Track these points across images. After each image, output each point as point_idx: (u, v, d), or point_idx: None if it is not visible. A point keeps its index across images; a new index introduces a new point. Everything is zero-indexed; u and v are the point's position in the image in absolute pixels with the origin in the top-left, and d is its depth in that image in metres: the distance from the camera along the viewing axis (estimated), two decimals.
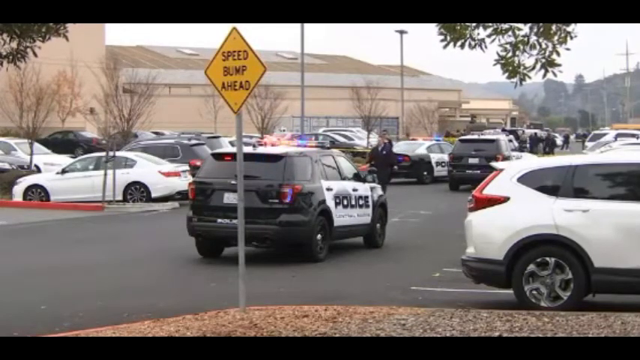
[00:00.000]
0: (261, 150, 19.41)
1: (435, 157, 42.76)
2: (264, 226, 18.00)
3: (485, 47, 11.58)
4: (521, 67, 11.58)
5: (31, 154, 37.08)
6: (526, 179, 13.13)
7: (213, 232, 18.53)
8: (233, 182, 15.89)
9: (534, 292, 12.68)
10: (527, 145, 69.65)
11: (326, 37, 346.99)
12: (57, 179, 31.35)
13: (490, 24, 11.37)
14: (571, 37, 11.37)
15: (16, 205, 30.74)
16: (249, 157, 16.91)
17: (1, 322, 12.37)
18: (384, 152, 32.29)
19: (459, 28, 11.36)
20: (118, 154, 30.94)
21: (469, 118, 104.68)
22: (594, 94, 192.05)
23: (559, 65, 11.46)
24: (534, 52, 11.45)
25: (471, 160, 38.22)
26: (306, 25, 50.66)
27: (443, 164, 41.83)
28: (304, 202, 18.37)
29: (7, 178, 33.59)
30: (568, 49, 11.44)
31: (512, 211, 12.96)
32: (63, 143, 50.31)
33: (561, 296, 12.61)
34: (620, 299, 13.33)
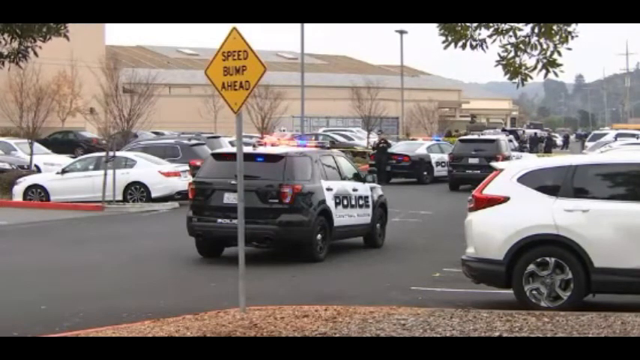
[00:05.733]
0: (261, 150, 19.41)
1: (435, 157, 42.75)
2: (264, 226, 18.00)
3: (487, 48, 11.57)
4: (523, 68, 11.57)
5: (31, 154, 37.05)
6: (526, 179, 13.13)
7: (213, 232, 18.53)
8: (233, 182, 15.90)
9: (534, 292, 12.68)
10: (527, 145, 69.68)
11: (326, 37, 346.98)
12: (57, 179, 31.34)
13: (491, 24, 11.36)
14: (572, 37, 11.36)
15: (16, 205, 30.73)
16: (249, 157, 16.91)
17: (1, 322, 12.37)
18: None
19: (459, 28, 11.35)
20: (118, 154, 30.92)
21: (469, 118, 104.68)
22: (594, 94, 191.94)
23: (560, 65, 11.45)
24: (535, 52, 11.44)
25: (471, 160, 38.23)
26: (306, 25, 50.67)
27: (443, 164, 41.83)
28: (304, 202, 18.37)
29: (7, 178, 33.56)
30: (569, 49, 11.43)
31: (512, 211, 12.96)
32: (63, 143, 50.28)
33: (561, 296, 12.61)
34: (620, 299, 13.34)
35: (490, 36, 11.51)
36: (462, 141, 42.43)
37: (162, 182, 30.57)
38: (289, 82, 67.66)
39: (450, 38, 11.47)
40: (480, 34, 11.51)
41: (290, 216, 18.17)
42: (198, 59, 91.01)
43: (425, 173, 42.19)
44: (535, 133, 77.14)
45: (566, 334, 10.38)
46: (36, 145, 38.77)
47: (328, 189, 19.05)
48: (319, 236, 18.53)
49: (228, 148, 30.53)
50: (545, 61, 11.42)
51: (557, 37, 11.34)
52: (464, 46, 11.50)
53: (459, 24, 11.36)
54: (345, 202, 19.59)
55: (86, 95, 54.67)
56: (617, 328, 10.64)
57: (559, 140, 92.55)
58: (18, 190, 31.45)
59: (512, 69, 11.59)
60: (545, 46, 11.41)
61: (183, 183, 28.45)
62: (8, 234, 24.18)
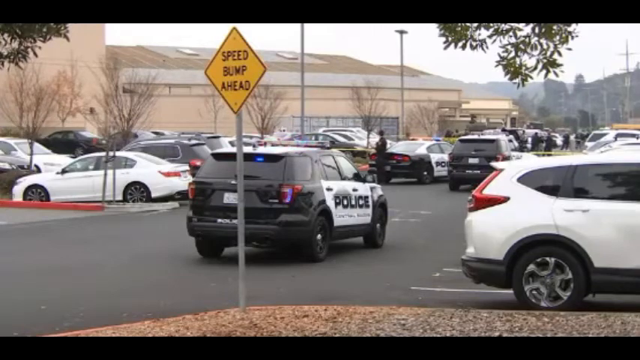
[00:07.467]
0: (261, 150, 19.41)
1: (435, 157, 42.74)
2: (264, 226, 18.00)
3: (487, 48, 11.57)
4: (523, 68, 11.57)
5: (31, 154, 37.05)
6: (526, 179, 13.13)
7: (213, 232, 18.53)
8: (233, 182, 15.90)
9: (534, 292, 12.69)
10: (529, 145, 69.73)
11: (326, 37, 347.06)
12: (57, 179, 31.34)
13: (491, 24, 11.36)
14: (572, 37, 11.36)
15: (16, 205, 30.73)
16: (249, 157, 16.91)
17: (1, 322, 12.37)
18: None
19: (459, 29, 11.35)
20: (118, 154, 30.92)
21: (469, 118, 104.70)
22: (594, 94, 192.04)
23: (560, 65, 11.45)
24: (535, 52, 11.44)
25: (471, 160, 38.21)
26: (306, 25, 50.64)
27: (443, 164, 41.83)
28: (304, 202, 18.37)
29: (7, 178, 33.57)
30: (569, 49, 11.43)
31: (512, 211, 12.96)
32: (63, 143, 50.26)
33: (561, 296, 12.61)
34: (620, 299, 13.34)
35: (490, 36, 11.51)
36: (462, 141, 42.40)
37: (162, 182, 30.57)
38: (289, 82, 67.64)
39: (450, 38, 11.47)
40: (480, 34, 11.51)
41: (290, 216, 18.17)
42: (198, 59, 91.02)
43: (425, 173, 42.18)
44: (536, 133, 77.30)
45: (566, 334, 10.38)
46: (36, 145, 38.76)
47: (328, 189, 19.05)
48: (319, 236, 18.53)
49: (228, 148, 30.52)
50: (545, 61, 11.41)
51: (557, 37, 11.34)
52: (464, 47, 11.50)
53: (459, 24, 11.36)
54: (345, 202, 19.59)
55: (86, 95, 54.69)
56: (617, 328, 10.64)
57: (559, 140, 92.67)
58: (18, 190, 31.45)
59: (513, 69, 11.59)
60: (545, 46, 11.41)
61: (183, 183, 28.45)
62: (8, 234, 24.17)
